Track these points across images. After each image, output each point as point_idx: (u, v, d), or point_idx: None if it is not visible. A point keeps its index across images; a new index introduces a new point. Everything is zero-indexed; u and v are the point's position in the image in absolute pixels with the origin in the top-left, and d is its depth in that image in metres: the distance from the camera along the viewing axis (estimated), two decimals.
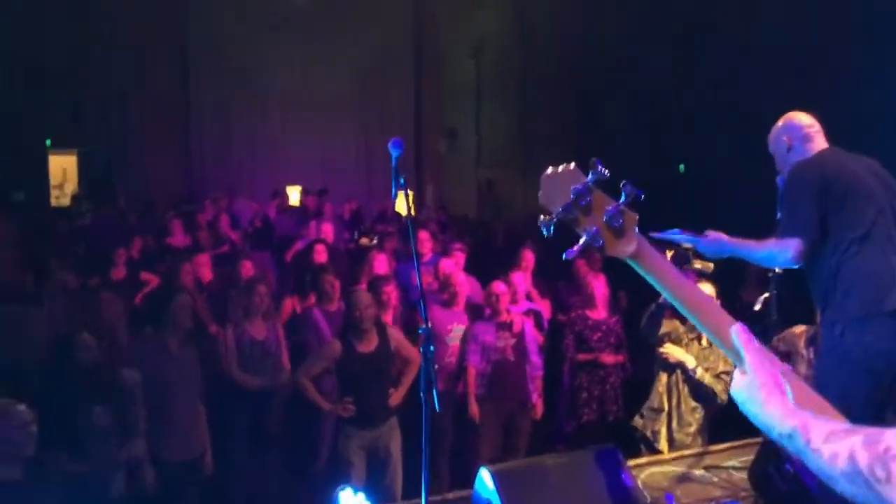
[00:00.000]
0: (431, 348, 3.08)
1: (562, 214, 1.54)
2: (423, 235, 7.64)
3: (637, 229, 1.53)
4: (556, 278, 7.96)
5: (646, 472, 4.39)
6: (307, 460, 5.97)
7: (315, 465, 5.91)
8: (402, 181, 3.01)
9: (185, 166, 16.35)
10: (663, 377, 5.14)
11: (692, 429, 5.13)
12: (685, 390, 5.12)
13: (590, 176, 1.53)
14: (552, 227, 1.56)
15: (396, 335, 5.37)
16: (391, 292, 6.33)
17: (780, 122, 3.68)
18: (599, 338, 6.08)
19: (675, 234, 3.77)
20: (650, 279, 1.53)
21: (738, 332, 1.44)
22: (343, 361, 5.18)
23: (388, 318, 6.36)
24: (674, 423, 5.13)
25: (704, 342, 5.15)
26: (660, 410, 5.14)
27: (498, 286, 6.10)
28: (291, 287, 7.34)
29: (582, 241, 1.54)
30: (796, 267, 3.44)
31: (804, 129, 3.60)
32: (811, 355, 5.00)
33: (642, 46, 10.61)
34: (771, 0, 8.68)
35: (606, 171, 1.52)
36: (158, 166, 15.19)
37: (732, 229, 3.51)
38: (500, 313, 5.92)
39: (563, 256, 1.60)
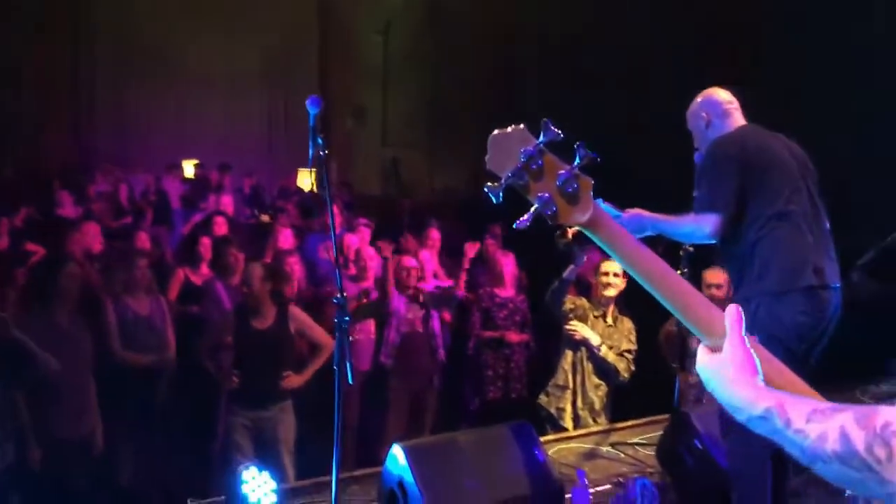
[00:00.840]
0: (346, 318, 2.96)
1: (511, 180, 1.41)
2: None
3: (592, 195, 1.42)
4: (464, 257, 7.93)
5: (553, 449, 4.40)
6: (201, 439, 5.75)
7: (211, 446, 5.69)
8: (319, 140, 2.86)
9: (76, 137, 15.62)
10: (568, 354, 5.16)
11: (596, 406, 5.17)
12: (589, 368, 5.15)
13: (541, 137, 1.40)
14: (500, 194, 1.43)
15: (300, 316, 5.15)
16: (294, 265, 6.20)
17: (698, 98, 3.67)
18: (506, 316, 6.07)
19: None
20: (605, 247, 1.44)
21: (733, 313, 1.35)
22: (237, 337, 5.01)
23: (290, 291, 6.21)
24: (578, 401, 5.16)
25: (609, 320, 5.20)
26: (564, 388, 5.17)
27: (407, 260, 6.02)
28: (184, 258, 7.04)
29: (533, 209, 1.42)
30: (713, 242, 3.45)
31: (723, 105, 3.61)
32: None
33: (553, 22, 10.65)
34: None
35: (559, 131, 1.40)
36: (49, 137, 14.48)
37: (652, 207, 3.49)
38: (409, 288, 5.85)
39: (514, 226, 1.48)
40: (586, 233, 1.45)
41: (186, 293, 6.21)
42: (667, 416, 4.52)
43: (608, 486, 4.01)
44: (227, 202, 8.89)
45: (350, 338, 3.04)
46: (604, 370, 5.16)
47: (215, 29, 16.15)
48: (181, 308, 6.05)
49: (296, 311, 5.15)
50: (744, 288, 3.39)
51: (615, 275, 5.11)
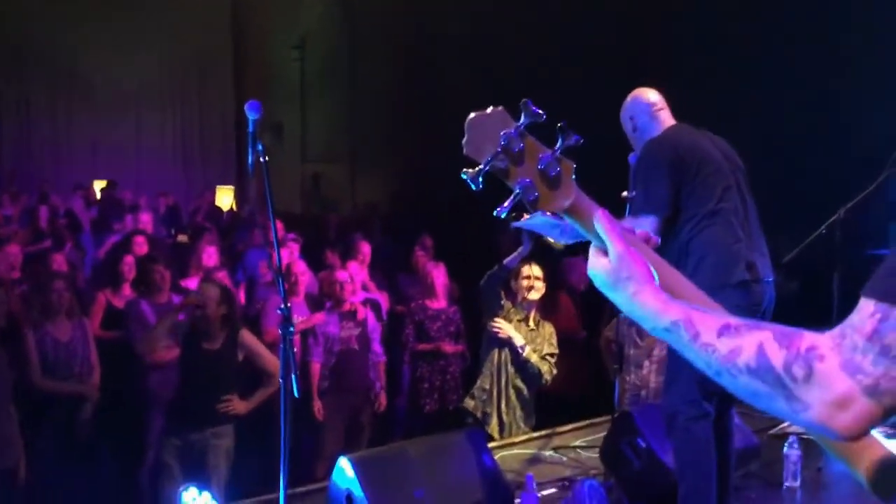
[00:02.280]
0: (291, 329, 2.89)
1: (491, 165, 1.34)
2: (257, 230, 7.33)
3: (574, 179, 1.39)
4: (393, 270, 7.89)
5: (497, 456, 4.36)
6: (129, 464, 5.54)
7: (139, 470, 5.49)
8: (259, 147, 2.78)
9: None
10: (493, 356, 5.15)
11: (519, 411, 5.17)
12: (512, 371, 5.15)
13: (522, 119, 1.34)
14: (481, 180, 1.35)
15: (250, 342, 5.00)
16: (223, 282, 6.05)
17: (627, 100, 3.73)
18: (439, 327, 6.03)
19: (536, 219, 3.75)
20: (590, 236, 1.39)
21: (601, 218, 1.34)
22: (183, 356, 4.90)
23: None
24: (502, 405, 5.15)
25: (532, 324, 5.21)
26: (489, 391, 5.15)
27: (340, 274, 5.93)
28: (104, 282, 6.80)
29: (513, 194, 1.37)
30: None
31: (649, 107, 3.67)
32: (634, 334, 5.19)
33: (471, 31, 10.73)
34: None
35: (541, 112, 1.35)
36: None
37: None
38: (344, 302, 5.75)
39: (495, 213, 1.43)
40: (567, 219, 1.41)
41: (109, 317, 6.00)
42: (607, 417, 4.56)
43: (554, 490, 4.02)
44: (147, 220, 8.63)
45: (294, 349, 2.97)
46: (527, 373, 5.17)
47: (124, 43, 15.75)
48: (104, 332, 5.84)
49: (247, 337, 5.01)
50: None
51: (537, 278, 5.16)
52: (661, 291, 1.28)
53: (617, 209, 3.53)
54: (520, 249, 4.98)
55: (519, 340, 5.10)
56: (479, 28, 10.75)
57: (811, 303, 5.36)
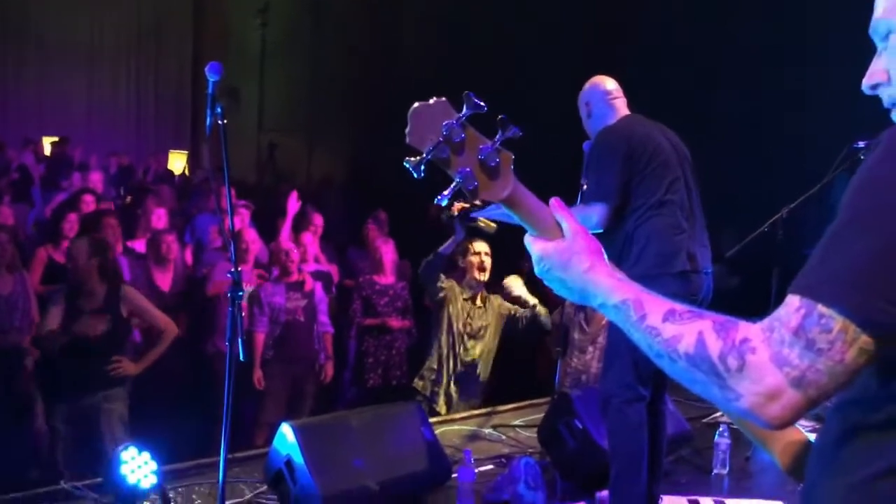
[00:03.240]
0: (240, 293, 2.90)
1: (432, 154, 1.38)
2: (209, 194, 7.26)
3: (513, 170, 1.44)
4: (344, 243, 7.90)
5: (437, 431, 4.42)
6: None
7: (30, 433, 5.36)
8: (218, 109, 2.78)
9: None
10: (442, 337, 5.20)
11: (463, 393, 5.24)
12: (461, 351, 5.20)
13: (464, 110, 1.39)
14: (423, 168, 1.40)
15: (134, 297, 4.79)
16: (172, 244, 6.02)
17: (585, 86, 3.79)
18: (386, 302, 6.07)
19: (491, 212, 3.82)
20: (525, 225, 1.45)
21: (555, 204, 1.41)
22: (64, 318, 4.60)
23: (168, 272, 6.02)
24: (451, 386, 5.21)
25: (478, 302, 5.26)
26: (438, 371, 5.21)
27: (287, 243, 5.93)
28: (47, 238, 6.70)
29: (454, 183, 1.42)
30: (599, 231, 3.58)
31: (606, 95, 3.74)
32: (581, 320, 5.30)
33: (436, 12, 10.70)
34: None
35: (483, 103, 1.40)
36: None
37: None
38: (291, 273, 5.75)
39: (435, 200, 1.47)
40: (506, 209, 1.46)
41: (50, 272, 5.92)
42: (547, 399, 4.66)
43: (492, 466, 4.10)
44: (97, 180, 8.49)
45: (243, 313, 2.98)
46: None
47: None
48: (44, 288, 5.76)
49: (130, 292, 4.79)
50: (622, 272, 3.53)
51: (486, 254, 5.22)
52: (613, 269, 1.35)
53: (567, 197, 3.61)
54: (454, 237, 5.03)
55: (531, 300, 5.15)
56: (442, 4, 10.72)
57: (750, 297, 5.50)
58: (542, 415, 4.31)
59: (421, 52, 11.03)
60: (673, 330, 1.20)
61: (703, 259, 3.58)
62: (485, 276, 5.23)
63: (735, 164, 6.84)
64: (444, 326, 5.19)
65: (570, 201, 3.54)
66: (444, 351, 5.20)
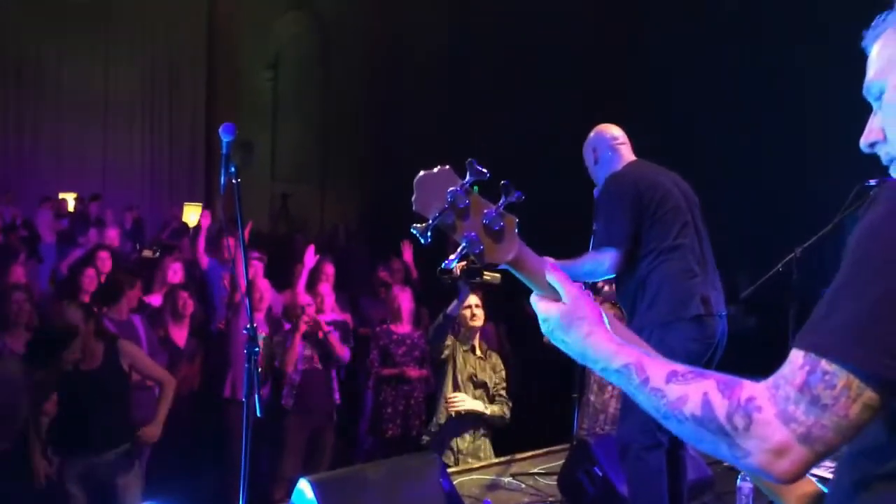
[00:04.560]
0: (256, 349, 2.92)
1: (438, 220, 1.43)
2: (224, 243, 7.32)
3: (518, 233, 1.48)
4: (357, 293, 7.92)
5: (456, 482, 4.39)
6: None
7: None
8: (232, 169, 2.83)
9: None
10: (447, 392, 5.19)
11: (478, 442, 5.21)
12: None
13: (467, 177, 1.44)
14: (429, 234, 1.45)
15: (131, 351, 4.84)
16: (187, 300, 6.06)
17: (590, 134, 3.84)
18: (404, 352, 6.05)
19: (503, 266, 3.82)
20: (532, 286, 1.48)
21: (550, 268, 1.43)
22: (62, 382, 4.65)
23: (184, 328, 6.06)
24: (457, 442, 5.18)
25: (479, 353, 5.27)
26: (445, 426, 5.17)
27: (304, 297, 5.95)
28: (64, 295, 6.74)
29: (460, 248, 1.46)
30: (611, 277, 3.59)
31: (610, 141, 3.78)
32: None
33: (445, 60, 10.85)
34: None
35: (485, 170, 1.44)
36: None
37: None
38: (307, 325, 5.77)
39: (443, 266, 1.52)
40: (512, 271, 1.49)
41: None
42: (566, 445, 4.62)
43: None
44: (113, 236, 8.59)
45: (259, 369, 3.00)
46: (487, 420, 5.23)
47: (92, 50, 15.62)
48: None
49: (126, 346, 4.83)
50: (636, 318, 3.53)
51: (477, 306, 5.25)
52: (613, 334, 1.36)
53: (578, 245, 3.63)
54: (458, 297, 5.07)
55: (479, 407, 5.16)
56: (452, 53, 10.88)
57: (767, 338, 5.48)
58: (561, 462, 4.27)
59: (430, 100, 11.17)
60: (678, 391, 1.21)
61: (717, 302, 3.57)
62: (478, 322, 5.27)
63: (747, 205, 6.85)
64: (449, 379, 5.19)
65: (580, 249, 3.59)
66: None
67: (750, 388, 1.16)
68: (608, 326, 1.38)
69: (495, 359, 5.38)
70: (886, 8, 1.28)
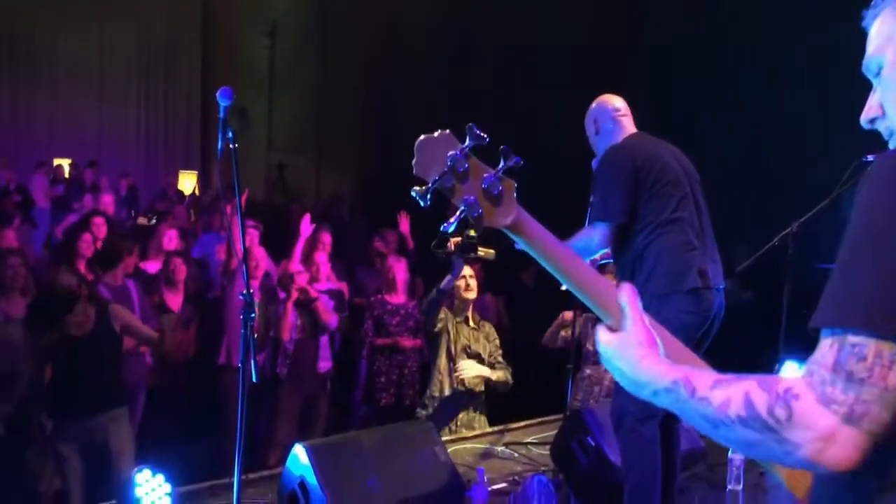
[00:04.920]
0: (252, 315, 2.91)
1: (438, 183, 1.44)
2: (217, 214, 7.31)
3: (516, 197, 1.48)
4: (353, 262, 7.91)
5: (450, 450, 4.42)
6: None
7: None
8: (230, 134, 2.81)
9: None
10: (441, 361, 5.21)
11: (473, 413, 5.23)
12: (456, 380, 5.19)
13: (466, 141, 1.45)
14: (429, 197, 1.46)
15: (122, 314, 4.90)
16: (180, 266, 6.06)
17: (592, 105, 3.81)
18: (398, 322, 6.06)
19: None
20: (529, 250, 1.50)
21: (626, 293, 1.44)
22: (56, 347, 4.67)
23: (179, 294, 6.06)
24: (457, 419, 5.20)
25: (472, 323, 5.28)
26: (439, 398, 5.19)
27: (296, 266, 5.96)
28: (60, 260, 6.73)
29: (459, 211, 1.47)
30: (604, 250, 3.60)
31: (611, 111, 3.75)
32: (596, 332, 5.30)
33: (442, 29, 10.78)
34: None
35: (485, 135, 1.45)
36: None
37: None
38: (297, 292, 5.78)
39: (441, 229, 1.52)
40: (510, 234, 1.50)
41: None
42: (559, 416, 4.65)
43: (504, 485, 4.09)
44: (108, 202, 8.56)
45: (255, 334, 2.99)
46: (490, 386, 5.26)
47: (87, 20, 15.48)
48: None
49: (118, 310, 4.89)
50: None
51: (471, 277, 5.27)
52: (663, 357, 1.37)
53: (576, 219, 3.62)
54: (452, 272, 5.07)
55: (485, 371, 5.17)
56: (449, 23, 10.80)
57: (763, 311, 5.50)
58: (554, 432, 4.30)
59: (426, 71, 11.10)
60: (721, 396, 1.20)
61: (715, 275, 3.57)
62: (472, 294, 5.27)
63: (745, 179, 6.84)
64: (444, 351, 5.21)
65: (579, 223, 3.58)
66: (444, 374, 5.20)
67: (787, 380, 1.15)
68: (662, 351, 1.39)
69: (488, 328, 5.40)
70: None
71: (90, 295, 4.78)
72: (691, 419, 1.27)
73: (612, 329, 1.45)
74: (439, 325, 5.17)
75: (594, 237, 3.51)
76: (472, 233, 4.69)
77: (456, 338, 5.21)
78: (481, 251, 4.63)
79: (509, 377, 5.27)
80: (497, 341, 5.38)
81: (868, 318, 1.08)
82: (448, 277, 5.07)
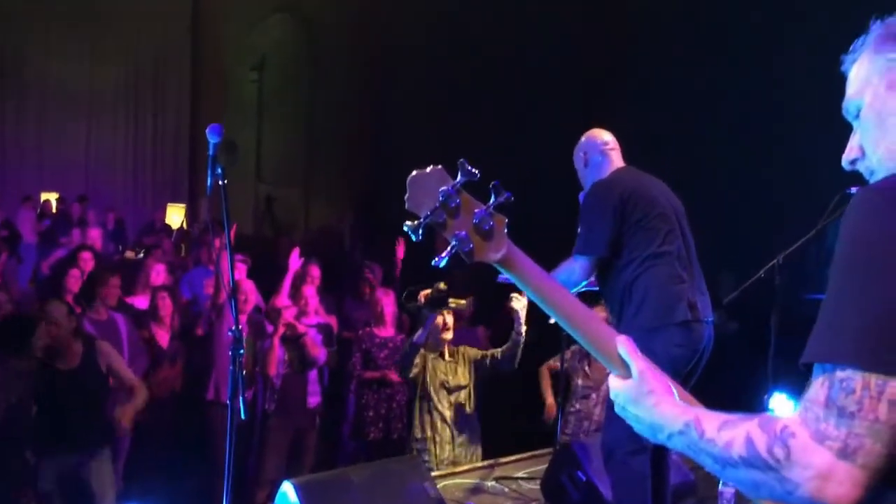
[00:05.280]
0: (241, 351, 2.91)
1: (430, 218, 1.46)
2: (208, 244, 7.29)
3: (507, 232, 1.50)
4: (341, 295, 7.90)
5: (440, 485, 4.39)
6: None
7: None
8: (219, 171, 2.82)
9: None
10: (421, 403, 5.15)
11: (458, 450, 5.16)
12: (443, 408, 5.14)
13: (458, 177, 1.47)
14: (421, 232, 1.48)
15: (108, 354, 4.85)
16: (167, 301, 6.02)
17: (582, 139, 3.86)
18: (387, 355, 6.04)
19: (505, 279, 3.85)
20: (520, 284, 1.51)
21: (623, 343, 1.46)
22: (40, 382, 4.64)
23: (165, 329, 6.02)
24: (437, 449, 5.13)
25: (448, 356, 5.21)
26: (423, 440, 5.14)
27: (284, 300, 5.94)
28: (47, 295, 6.69)
29: (451, 246, 1.48)
30: (585, 283, 3.62)
31: (600, 145, 3.80)
32: (584, 366, 5.30)
33: (430, 61, 10.86)
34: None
35: (476, 171, 1.47)
36: None
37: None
38: (284, 327, 5.75)
39: (433, 263, 1.53)
40: (501, 270, 1.51)
41: None
42: (549, 449, 4.63)
43: None
44: (96, 236, 8.53)
45: (244, 371, 2.98)
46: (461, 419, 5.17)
47: (77, 48, 15.52)
48: None
49: (104, 347, 4.86)
50: (622, 325, 3.55)
51: (448, 325, 5.15)
52: (677, 401, 1.39)
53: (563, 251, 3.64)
54: (425, 324, 5.04)
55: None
56: (437, 55, 10.89)
57: (750, 342, 5.52)
58: (544, 466, 4.28)
59: (417, 106, 11.17)
60: (727, 436, 1.22)
61: (704, 308, 3.59)
62: (449, 335, 5.18)
63: (733, 209, 6.90)
64: (421, 392, 5.16)
65: (565, 253, 3.60)
66: (426, 415, 5.14)
67: (785, 419, 1.16)
68: (676, 396, 1.40)
69: (462, 350, 5.27)
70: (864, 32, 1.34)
71: (76, 330, 4.75)
72: (703, 461, 1.28)
73: (622, 377, 1.46)
74: (415, 371, 5.10)
75: (576, 269, 3.55)
76: (443, 286, 4.77)
77: (433, 375, 5.14)
78: (452, 303, 4.67)
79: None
80: (477, 350, 5.29)
81: (854, 352, 1.10)
82: (420, 331, 5.05)
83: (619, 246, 3.55)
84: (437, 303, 4.80)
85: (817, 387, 1.14)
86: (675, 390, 1.42)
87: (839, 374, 1.11)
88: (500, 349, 5.12)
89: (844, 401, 1.10)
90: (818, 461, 1.10)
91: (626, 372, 1.46)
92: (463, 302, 4.89)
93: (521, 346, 4.96)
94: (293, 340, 5.78)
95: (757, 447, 1.16)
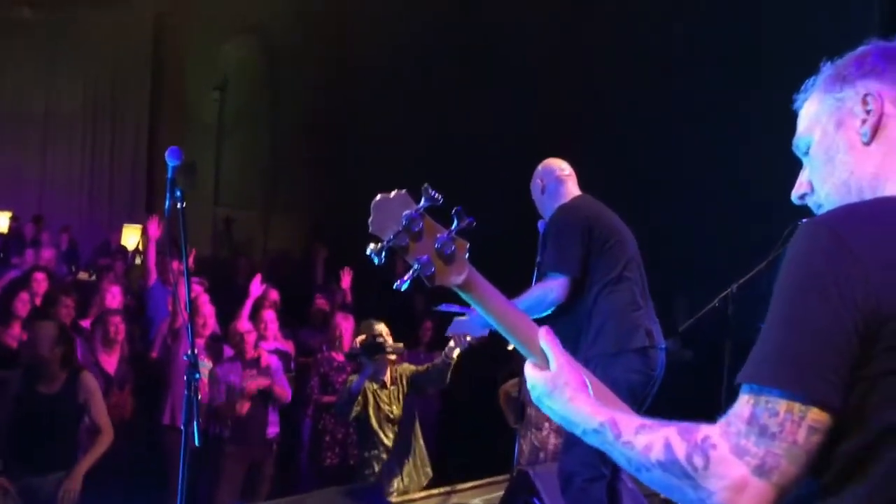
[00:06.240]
0: (197, 376, 2.89)
1: (392, 242, 1.49)
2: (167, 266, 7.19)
3: (468, 257, 1.53)
4: (298, 322, 7.85)
5: None
6: None
7: None
8: (178, 193, 2.81)
9: None
10: (366, 440, 5.16)
11: (406, 479, 5.14)
12: (388, 439, 5.14)
13: (422, 202, 1.50)
14: (384, 255, 1.50)
15: (91, 386, 4.81)
16: (119, 325, 5.89)
17: (538, 167, 3.94)
18: (344, 380, 6.00)
19: (446, 308, 3.92)
20: (479, 308, 1.53)
21: (544, 334, 1.49)
22: (18, 400, 4.63)
23: (115, 354, 5.90)
24: (386, 480, 5.11)
25: (389, 384, 5.20)
26: (371, 475, 5.12)
27: (245, 325, 5.87)
28: None
29: (412, 269, 1.50)
30: (557, 306, 3.64)
31: (557, 172, 3.89)
32: None
33: (394, 85, 10.90)
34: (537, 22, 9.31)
35: (439, 196, 1.50)
36: None
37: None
38: (246, 352, 5.68)
39: (395, 287, 1.55)
40: (461, 293, 1.53)
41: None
42: (506, 476, 4.63)
43: None
44: (49, 257, 8.37)
45: (199, 396, 2.95)
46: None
47: (33, 67, 15.31)
48: None
49: (88, 380, 4.82)
50: (582, 350, 3.59)
51: (388, 334, 5.19)
52: (592, 397, 1.41)
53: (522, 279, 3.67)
54: (362, 372, 5.07)
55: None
56: (400, 79, 10.93)
57: (703, 371, 5.59)
58: (501, 493, 4.28)
59: (378, 129, 11.20)
60: (644, 441, 1.26)
61: (658, 334, 3.67)
62: (393, 357, 5.20)
63: (688, 235, 7.00)
64: (365, 429, 5.16)
65: (524, 282, 3.64)
66: (374, 450, 5.14)
67: (706, 429, 1.20)
68: (591, 392, 1.43)
69: (400, 370, 5.26)
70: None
71: (64, 357, 4.69)
72: (617, 460, 1.32)
73: (539, 367, 1.48)
74: (357, 410, 5.10)
75: (553, 289, 3.56)
76: (380, 328, 4.82)
77: (375, 409, 5.12)
78: (389, 347, 4.70)
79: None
80: (412, 366, 5.30)
81: (783, 377, 1.15)
82: (358, 378, 5.06)
83: (585, 269, 3.60)
84: (374, 349, 4.86)
85: (742, 403, 1.18)
86: (590, 386, 1.45)
87: (765, 395, 1.16)
88: (431, 364, 5.15)
89: (768, 420, 1.15)
90: (734, 474, 1.15)
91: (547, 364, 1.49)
92: (400, 345, 4.97)
93: (451, 367, 4.98)
94: (262, 393, 5.68)
95: (676, 454, 1.20)
